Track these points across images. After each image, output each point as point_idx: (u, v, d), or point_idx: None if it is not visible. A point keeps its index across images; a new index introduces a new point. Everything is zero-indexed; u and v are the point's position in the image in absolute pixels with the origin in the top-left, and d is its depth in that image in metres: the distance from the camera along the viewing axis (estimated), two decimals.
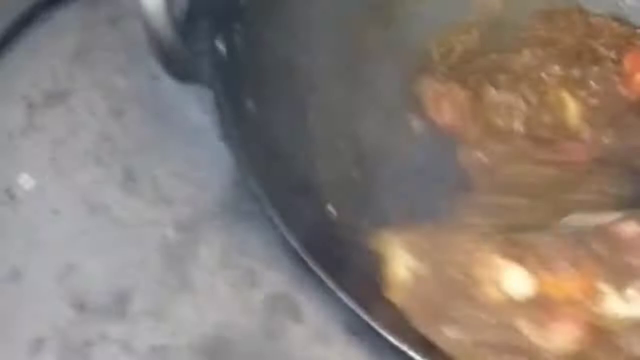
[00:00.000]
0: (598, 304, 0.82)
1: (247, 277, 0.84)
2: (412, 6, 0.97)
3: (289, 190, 0.83)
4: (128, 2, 0.93)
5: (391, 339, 0.75)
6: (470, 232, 0.85)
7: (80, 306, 0.82)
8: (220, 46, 0.84)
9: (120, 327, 0.81)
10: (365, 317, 0.76)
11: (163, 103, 0.90)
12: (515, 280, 0.82)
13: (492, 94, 0.93)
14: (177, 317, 0.82)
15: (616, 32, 0.98)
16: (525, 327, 0.80)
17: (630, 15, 0.99)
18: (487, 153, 0.90)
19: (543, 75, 0.94)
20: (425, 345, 0.78)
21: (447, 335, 0.80)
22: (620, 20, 0.99)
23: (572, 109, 0.93)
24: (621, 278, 0.81)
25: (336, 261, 0.80)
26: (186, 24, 0.83)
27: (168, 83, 0.88)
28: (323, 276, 0.76)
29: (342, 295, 0.76)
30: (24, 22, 0.93)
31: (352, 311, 0.76)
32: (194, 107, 0.89)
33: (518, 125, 0.92)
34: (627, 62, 0.95)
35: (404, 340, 0.76)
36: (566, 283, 0.82)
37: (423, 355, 0.75)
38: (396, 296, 0.82)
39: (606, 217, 0.84)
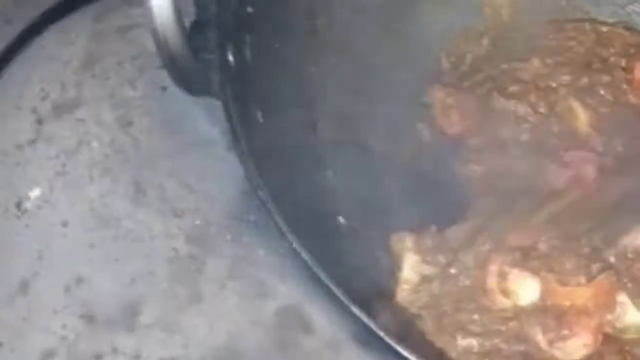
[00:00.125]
0: (613, 313, 0.81)
1: (257, 289, 0.84)
2: (423, 16, 0.97)
3: (298, 201, 0.82)
4: (137, 13, 0.93)
5: (401, 349, 0.75)
6: (480, 239, 0.85)
7: (90, 318, 0.82)
8: (230, 57, 0.83)
9: (129, 340, 0.81)
10: (376, 328, 0.76)
11: (172, 114, 0.90)
12: (526, 290, 0.82)
13: (501, 103, 0.93)
14: (187, 329, 0.82)
15: (626, 41, 0.97)
16: (539, 337, 0.80)
17: None
18: (484, 165, 0.90)
19: (552, 84, 0.94)
20: (435, 355, 0.78)
21: (458, 344, 0.79)
22: (630, 29, 0.98)
23: (582, 118, 0.93)
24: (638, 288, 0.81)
25: (346, 272, 0.80)
26: (195, 35, 0.83)
27: (177, 94, 0.87)
28: (333, 287, 0.76)
29: (352, 306, 0.76)
30: (33, 33, 0.93)
31: (362, 322, 0.75)
32: (203, 118, 0.89)
33: (526, 135, 0.92)
34: (637, 71, 0.94)
35: (415, 351, 0.75)
36: (580, 293, 0.82)
37: None
38: (404, 298, 0.82)
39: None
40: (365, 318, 0.76)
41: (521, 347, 0.80)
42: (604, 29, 0.98)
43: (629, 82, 0.94)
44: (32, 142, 0.90)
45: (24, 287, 0.83)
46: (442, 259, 0.84)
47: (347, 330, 0.81)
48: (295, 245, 0.78)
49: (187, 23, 0.82)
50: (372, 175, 0.90)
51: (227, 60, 0.83)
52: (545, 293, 0.82)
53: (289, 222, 0.79)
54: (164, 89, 0.90)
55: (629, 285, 0.82)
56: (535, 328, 0.81)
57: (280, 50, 0.89)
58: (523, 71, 0.95)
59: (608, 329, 0.81)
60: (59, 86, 0.92)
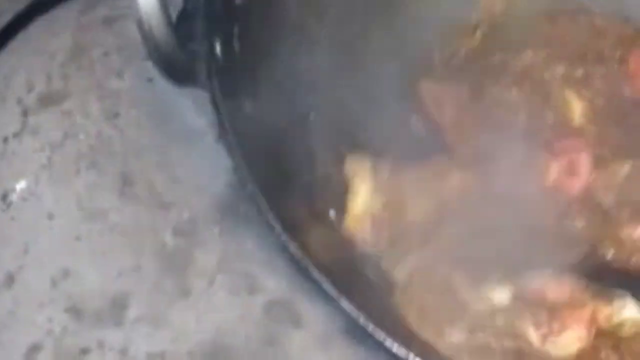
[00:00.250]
0: (610, 306, 0.81)
1: (246, 283, 0.83)
2: (416, 7, 0.96)
3: (288, 194, 0.81)
4: (123, 4, 0.92)
5: (391, 344, 0.74)
6: None
7: (76, 312, 0.81)
8: (217, 47, 0.82)
9: (117, 334, 0.80)
10: (366, 322, 0.75)
11: (159, 105, 0.89)
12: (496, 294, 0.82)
13: (494, 94, 0.92)
14: (175, 324, 0.81)
15: (621, 33, 0.96)
16: (531, 332, 0.79)
17: (635, 15, 0.98)
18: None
19: (546, 75, 0.93)
20: (425, 350, 0.77)
21: (448, 339, 0.79)
22: (625, 20, 0.97)
23: (577, 109, 0.92)
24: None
25: (336, 266, 0.79)
26: (182, 26, 0.82)
27: (164, 85, 0.87)
28: (322, 281, 0.75)
29: (342, 300, 0.75)
30: (19, 24, 0.92)
31: (352, 316, 0.75)
32: (191, 110, 0.88)
33: (519, 125, 0.91)
34: (632, 62, 0.94)
35: (404, 345, 0.74)
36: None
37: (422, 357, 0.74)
38: (352, 226, 0.83)
39: None
40: (355, 312, 0.76)
41: (512, 344, 0.79)
42: (598, 20, 0.97)
43: (624, 73, 0.93)
44: (18, 134, 0.89)
45: (9, 280, 0.82)
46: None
47: (338, 324, 0.80)
48: (284, 238, 0.77)
49: (175, 13, 0.82)
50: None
51: (214, 51, 0.82)
52: (538, 286, 0.82)
53: (278, 215, 0.79)
54: (151, 80, 0.89)
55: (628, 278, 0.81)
56: (526, 322, 0.80)
57: (269, 43, 0.88)
58: (516, 63, 0.95)
59: (604, 324, 0.80)
60: (45, 78, 0.91)
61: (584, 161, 0.88)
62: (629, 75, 0.93)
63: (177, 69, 0.79)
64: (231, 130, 0.81)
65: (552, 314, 0.80)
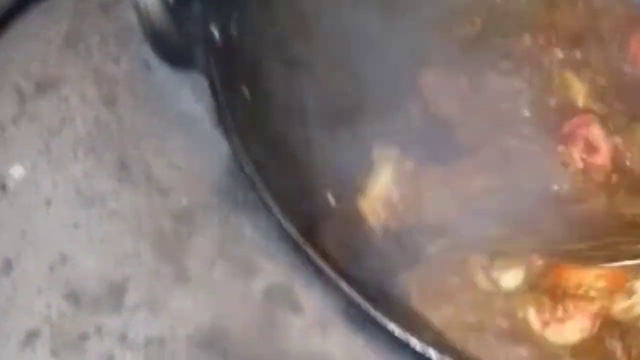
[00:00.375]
0: (621, 303, 0.80)
1: (245, 267, 0.82)
2: None
3: (286, 179, 0.81)
4: None
5: (392, 328, 0.74)
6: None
7: (75, 298, 0.81)
8: (215, 31, 0.82)
9: (115, 320, 0.80)
10: (366, 306, 0.75)
11: (157, 91, 0.89)
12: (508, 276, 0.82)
13: (494, 80, 0.92)
14: (173, 309, 0.81)
15: (620, 14, 0.96)
16: (532, 317, 0.79)
17: None
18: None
19: (546, 59, 0.93)
20: (426, 333, 0.77)
21: (442, 314, 0.79)
22: (624, 3, 0.97)
23: (579, 89, 0.91)
24: None
25: (335, 250, 0.79)
26: (179, 8, 0.82)
27: (162, 71, 0.87)
28: (321, 265, 0.75)
29: (341, 284, 0.75)
30: (16, 10, 0.92)
31: (351, 300, 0.74)
32: (189, 95, 0.88)
33: (524, 111, 0.90)
34: (632, 43, 0.93)
35: (405, 329, 0.74)
36: (586, 275, 0.81)
37: (423, 342, 0.73)
38: (366, 207, 0.83)
39: None
40: (355, 296, 0.76)
41: (507, 324, 0.79)
42: (597, 3, 0.97)
43: (625, 55, 0.93)
44: (15, 120, 0.88)
45: (7, 267, 0.82)
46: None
47: (337, 308, 0.80)
48: (283, 223, 0.77)
49: None
50: (362, 155, 0.89)
51: (211, 35, 0.82)
52: (547, 271, 0.82)
53: (276, 199, 0.78)
54: (149, 66, 0.88)
55: None
56: (529, 307, 0.80)
57: (266, 29, 0.87)
58: (515, 47, 0.94)
59: (620, 316, 0.80)
60: (42, 64, 0.90)
61: (598, 132, 0.88)
62: (630, 57, 0.93)
63: (174, 52, 0.79)
64: (229, 115, 0.81)
65: (559, 302, 0.80)
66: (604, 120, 0.88)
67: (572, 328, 0.79)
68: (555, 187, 0.86)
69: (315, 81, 0.88)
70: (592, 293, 0.80)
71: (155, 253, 0.83)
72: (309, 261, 0.75)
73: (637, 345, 0.79)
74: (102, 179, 0.86)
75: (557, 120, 0.89)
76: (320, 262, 0.75)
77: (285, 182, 0.81)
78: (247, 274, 0.82)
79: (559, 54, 0.93)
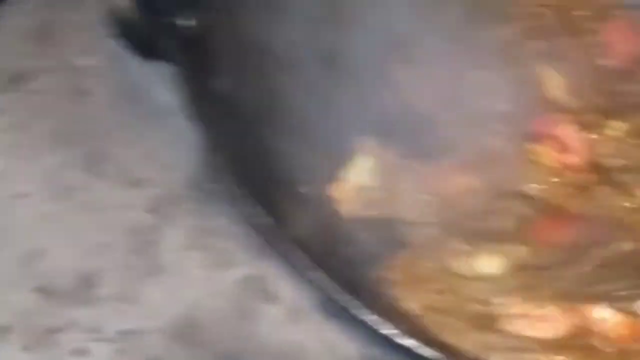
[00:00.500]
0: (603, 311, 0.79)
1: (218, 258, 0.82)
2: None
3: (258, 170, 0.81)
4: None
5: (365, 317, 0.74)
6: None
7: (47, 292, 0.80)
8: (185, 22, 0.82)
9: (88, 313, 0.80)
10: (340, 297, 0.74)
11: (129, 83, 0.88)
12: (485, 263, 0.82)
13: (472, 75, 0.92)
14: (146, 301, 0.80)
15: (596, 4, 0.96)
16: (506, 306, 0.79)
17: None
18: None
19: (522, 52, 0.93)
20: (399, 322, 0.77)
21: (422, 297, 0.79)
22: None
23: (555, 82, 0.91)
24: None
25: (309, 240, 0.78)
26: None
27: (134, 63, 0.86)
28: (294, 253, 0.75)
29: (313, 272, 0.75)
30: None
31: (323, 290, 0.74)
32: (162, 87, 0.87)
33: (500, 106, 0.90)
34: (609, 33, 0.93)
35: (379, 318, 0.74)
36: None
37: (396, 330, 0.73)
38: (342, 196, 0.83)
39: None
40: (326, 284, 0.75)
41: (481, 309, 0.79)
42: None
43: (602, 45, 0.93)
44: None
45: None
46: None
47: (311, 299, 0.79)
48: (254, 211, 0.77)
49: None
50: (337, 145, 0.89)
51: (182, 25, 0.81)
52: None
53: (247, 189, 0.78)
54: (121, 58, 0.87)
55: None
56: (502, 297, 0.80)
57: (240, 19, 0.87)
58: (492, 39, 0.94)
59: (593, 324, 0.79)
60: (14, 57, 0.90)
61: (569, 132, 0.88)
62: (606, 46, 0.93)
63: (143, 44, 0.79)
64: (200, 106, 0.81)
65: (535, 299, 0.79)
66: (579, 117, 0.88)
67: (546, 327, 0.78)
68: (530, 187, 0.86)
69: (288, 70, 0.88)
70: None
71: (128, 245, 0.82)
72: (281, 250, 0.75)
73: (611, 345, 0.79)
74: (74, 171, 0.85)
75: (533, 117, 0.89)
76: (292, 253, 0.75)
77: (258, 172, 0.80)
78: (221, 264, 0.82)
79: (536, 47, 0.93)
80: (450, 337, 0.77)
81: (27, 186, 0.84)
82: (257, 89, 0.85)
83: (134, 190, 0.84)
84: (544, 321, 0.78)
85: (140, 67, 0.85)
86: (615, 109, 0.89)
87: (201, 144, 0.81)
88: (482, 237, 0.83)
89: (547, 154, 0.87)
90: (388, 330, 0.73)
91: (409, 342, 0.73)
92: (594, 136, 0.87)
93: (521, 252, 0.82)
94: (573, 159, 0.87)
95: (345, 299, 0.74)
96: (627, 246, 0.82)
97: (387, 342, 0.73)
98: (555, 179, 0.86)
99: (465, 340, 0.76)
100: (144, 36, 0.79)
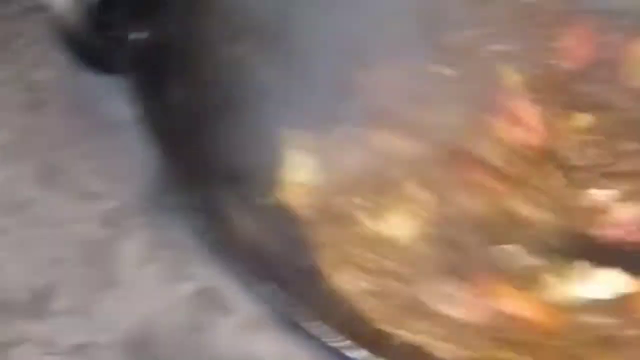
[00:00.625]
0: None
1: (174, 271, 0.82)
2: None
3: (214, 182, 0.81)
4: None
5: (315, 331, 0.73)
6: None
7: (0, 306, 0.80)
8: (138, 35, 0.81)
9: (41, 327, 0.79)
10: (292, 309, 0.74)
11: (84, 95, 0.88)
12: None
13: (431, 71, 0.92)
14: (100, 314, 0.80)
15: (557, 9, 0.97)
16: (433, 294, 0.80)
17: None
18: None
19: (482, 53, 0.93)
20: (355, 335, 0.77)
21: (355, 282, 0.79)
22: None
23: (515, 81, 0.92)
24: None
25: (263, 251, 0.78)
26: (104, 12, 0.81)
27: (89, 75, 0.85)
28: (243, 266, 0.74)
29: (267, 286, 0.74)
30: None
31: (274, 304, 0.74)
32: (117, 99, 0.86)
33: (456, 99, 0.91)
34: (568, 37, 0.94)
35: (332, 331, 0.74)
36: None
37: (349, 343, 0.73)
38: (290, 197, 0.84)
39: None
40: (282, 298, 0.75)
41: (412, 290, 0.79)
42: None
43: (561, 48, 0.94)
44: None
45: None
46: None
47: (266, 310, 0.79)
48: (205, 224, 0.76)
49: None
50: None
51: (134, 38, 0.81)
52: None
53: (202, 202, 0.78)
54: (75, 70, 0.87)
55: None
56: (430, 283, 0.80)
57: (197, 29, 0.87)
58: (451, 42, 0.95)
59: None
60: None
61: (524, 105, 0.89)
62: (566, 50, 0.94)
63: (93, 56, 0.78)
64: (152, 119, 0.80)
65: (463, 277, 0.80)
66: (539, 104, 0.89)
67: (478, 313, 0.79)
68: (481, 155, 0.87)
69: (248, 83, 0.88)
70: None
71: (82, 258, 0.82)
72: (231, 262, 0.75)
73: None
74: (28, 185, 0.85)
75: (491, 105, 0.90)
76: (244, 265, 0.75)
77: (212, 184, 0.80)
78: (176, 277, 0.82)
79: (496, 48, 0.93)
80: (384, 318, 0.78)
81: None
82: (210, 100, 0.85)
83: (87, 203, 0.84)
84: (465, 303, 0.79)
85: (94, 80, 0.84)
86: (572, 108, 0.90)
87: (154, 157, 0.81)
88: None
89: (504, 129, 0.88)
90: (338, 342, 0.73)
91: (357, 354, 0.74)
92: (554, 123, 0.89)
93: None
94: (529, 137, 0.88)
95: (295, 311, 0.74)
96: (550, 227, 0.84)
97: (338, 354, 0.74)
98: (510, 153, 0.87)
99: (401, 327, 0.78)
100: (94, 50, 0.79)
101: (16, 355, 0.78)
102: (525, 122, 0.88)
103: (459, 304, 0.79)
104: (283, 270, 0.78)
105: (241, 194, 0.82)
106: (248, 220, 0.81)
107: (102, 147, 0.86)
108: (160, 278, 0.82)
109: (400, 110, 0.90)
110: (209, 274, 0.81)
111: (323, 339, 0.73)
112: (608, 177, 0.86)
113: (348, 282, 0.80)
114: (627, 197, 0.84)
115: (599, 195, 0.85)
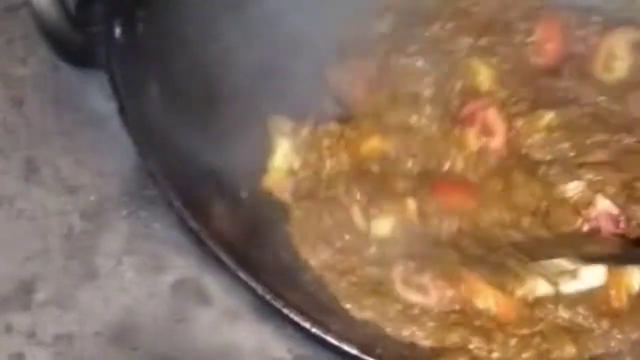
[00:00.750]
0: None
1: (154, 263, 0.83)
2: None
3: (191, 174, 0.82)
4: None
5: (296, 319, 0.75)
6: None
7: None
8: (118, 30, 0.83)
9: (24, 318, 0.81)
10: (271, 299, 0.76)
11: (65, 91, 0.89)
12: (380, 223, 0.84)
13: (401, 61, 0.93)
14: (82, 305, 0.81)
15: (528, 5, 0.98)
16: (394, 273, 0.81)
17: None
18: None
19: (453, 46, 0.94)
20: (333, 321, 0.78)
21: (318, 256, 0.82)
22: None
23: (484, 74, 0.93)
24: None
25: (242, 242, 0.80)
26: (83, 8, 0.83)
27: (69, 71, 0.87)
28: (221, 254, 0.76)
29: (240, 272, 0.76)
30: None
31: (250, 287, 0.75)
32: (98, 94, 0.88)
33: (428, 91, 0.92)
34: (539, 32, 0.95)
35: (309, 320, 0.76)
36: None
37: (331, 332, 0.75)
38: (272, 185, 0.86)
39: None
40: (260, 290, 0.77)
41: (375, 272, 0.81)
42: None
43: (531, 43, 0.94)
44: None
45: None
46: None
47: (245, 301, 0.81)
48: (183, 214, 0.78)
49: None
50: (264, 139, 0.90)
51: (114, 34, 0.82)
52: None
53: (180, 193, 0.79)
54: (56, 66, 0.89)
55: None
56: (394, 262, 0.82)
57: (176, 27, 0.88)
58: (423, 34, 0.95)
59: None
60: None
61: (493, 116, 0.90)
62: (536, 45, 0.95)
63: (75, 51, 0.79)
64: (132, 113, 0.81)
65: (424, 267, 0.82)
66: (505, 105, 0.90)
67: (436, 297, 0.81)
68: (448, 166, 0.88)
69: (229, 81, 0.89)
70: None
71: (63, 251, 0.83)
72: (209, 251, 0.76)
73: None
74: (10, 179, 0.86)
75: (459, 103, 0.91)
76: (220, 251, 0.76)
77: (190, 177, 0.82)
78: (156, 268, 0.83)
79: (467, 42, 0.95)
80: (347, 297, 0.80)
81: None
82: (190, 94, 0.86)
83: (70, 197, 0.85)
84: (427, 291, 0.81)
85: (75, 75, 0.86)
86: (542, 102, 0.91)
87: (135, 150, 0.82)
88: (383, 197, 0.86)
89: (471, 137, 0.89)
90: (319, 333, 0.75)
91: (343, 345, 0.75)
92: (519, 124, 0.89)
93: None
94: (494, 143, 0.89)
95: (273, 303, 0.76)
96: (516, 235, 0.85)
97: (318, 342, 0.75)
98: (476, 161, 0.89)
99: (362, 306, 0.80)
100: (74, 44, 0.80)
101: (1, 345, 0.79)
102: (494, 130, 0.90)
103: (426, 292, 0.80)
104: (262, 260, 0.79)
105: (219, 185, 0.84)
106: (227, 211, 0.83)
107: (83, 141, 0.87)
108: (140, 269, 0.83)
109: (372, 104, 0.92)
110: (188, 265, 0.83)
111: (305, 327, 0.75)
112: (578, 169, 0.87)
113: (314, 256, 0.82)
114: (598, 188, 0.86)
115: (571, 188, 0.86)
